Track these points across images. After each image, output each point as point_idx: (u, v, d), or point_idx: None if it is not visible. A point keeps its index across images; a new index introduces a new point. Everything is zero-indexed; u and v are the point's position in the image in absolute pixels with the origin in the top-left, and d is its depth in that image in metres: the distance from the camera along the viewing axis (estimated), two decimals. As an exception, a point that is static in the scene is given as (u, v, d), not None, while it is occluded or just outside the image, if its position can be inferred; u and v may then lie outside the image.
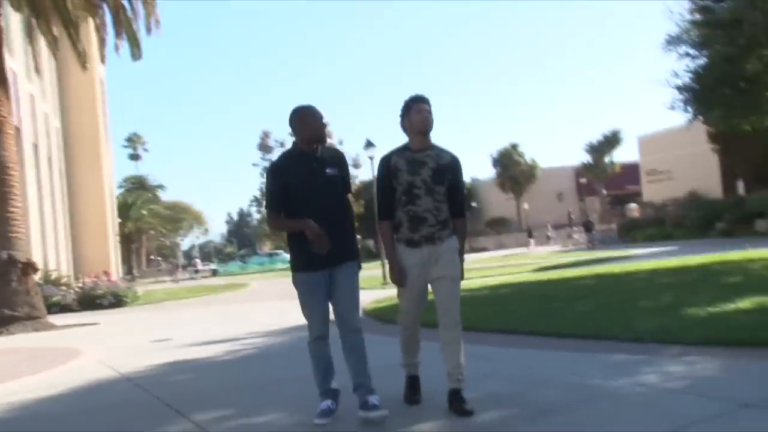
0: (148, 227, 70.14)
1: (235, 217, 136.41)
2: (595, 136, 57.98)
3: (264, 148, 63.86)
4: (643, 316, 7.25)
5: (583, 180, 58.63)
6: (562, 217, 56.62)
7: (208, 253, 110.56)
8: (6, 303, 12.98)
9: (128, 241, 60.97)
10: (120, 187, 63.55)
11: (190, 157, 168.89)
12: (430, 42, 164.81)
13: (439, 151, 4.30)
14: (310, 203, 4.11)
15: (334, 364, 4.30)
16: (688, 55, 18.12)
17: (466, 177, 68.80)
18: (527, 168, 61.27)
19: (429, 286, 4.28)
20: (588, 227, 36.00)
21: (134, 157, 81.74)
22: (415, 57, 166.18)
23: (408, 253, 4.19)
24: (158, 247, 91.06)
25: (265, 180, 4.36)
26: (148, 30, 15.51)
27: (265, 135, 64.04)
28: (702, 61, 17.80)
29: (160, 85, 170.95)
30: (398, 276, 4.20)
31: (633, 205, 47.30)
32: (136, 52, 15.84)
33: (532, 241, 42.93)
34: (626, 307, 8.11)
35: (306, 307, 4.25)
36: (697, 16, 17.63)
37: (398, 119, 4.32)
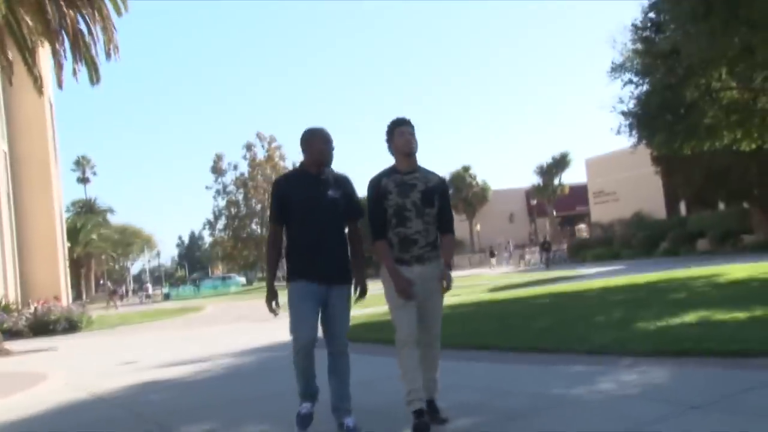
0: (98, 251, 68.67)
1: (186, 240, 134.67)
2: (545, 159, 59.33)
3: (217, 170, 63.80)
4: (598, 330, 7.69)
5: (533, 201, 59.90)
6: (515, 239, 57.60)
7: (158, 277, 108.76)
8: (-39, 329, 12.75)
9: (77, 266, 59.59)
10: (67, 211, 62.30)
11: (140, 180, 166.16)
12: (383, 63, 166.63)
13: (427, 173, 4.38)
14: (309, 223, 4.20)
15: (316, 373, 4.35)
16: (631, 82, 18.98)
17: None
18: (479, 190, 62.27)
19: None
20: (546, 248, 36.87)
21: (82, 180, 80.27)
22: (367, 79, 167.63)
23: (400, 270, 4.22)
24: (108, 271, 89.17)
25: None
26: (108, 55, 15.52)
27: (218, 158, 64.06)
28: (645, 88, 18.66)
29: (107, 107, 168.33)
30: (405, 286, 4.13)
31: (582, 226, 48.65)
32: (94, 76, 15.83)
33: (493, 260, 43.51)
34: (581, 322, 8.54)
35: (295, 315, 4.18)
36: (639, 46, 18.51)
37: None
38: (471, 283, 25.29)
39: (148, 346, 13.01)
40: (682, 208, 40.18)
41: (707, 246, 31.56)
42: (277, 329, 13.01)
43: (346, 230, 4.46)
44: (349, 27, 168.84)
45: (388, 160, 4.43)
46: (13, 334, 18.34)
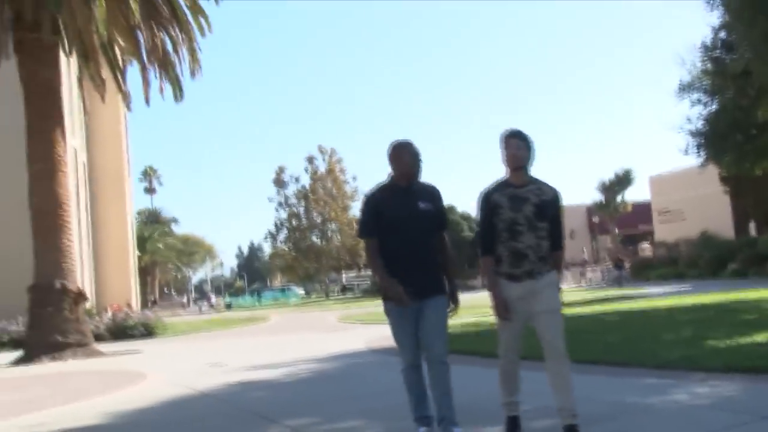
0: (164, 260, 71.08)
1: (246, 251, 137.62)
2: (608, 176, 58.62)
3: (279, 183, 65.28)
4: (667, 346, 7.94)
5: (595, 218, 59.25)
6: (576, 254, 57.05)
7: (218, 287, 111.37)
8: (59, 330, 13.79)
9: (143, 274, 61.80)
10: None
11: (201, 191, 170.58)
12: (446, 74, 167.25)
13: (541, 185, 4.27)
14: (402, 236, 4.25)
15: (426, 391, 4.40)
16: (700, 101, 18.99)
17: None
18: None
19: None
20: (619, 266, 36.52)
21: (149, 190, 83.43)
22: (429, 92, 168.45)
23: (509, 287, 4.19)
24: (171, 280, 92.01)
25: (360, 209, 4.47)
26: (192, 74, 16.53)
27: (280, 170, 65.53)
28: (714, 107, 18.64)
29: (172, 117, 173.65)
30: (502, 309, 4.17)
31: (646, 245, 47.87)
32: (178, 94, 16.84)
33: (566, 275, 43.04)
34: (651, 339, 8.79)
35: (397, 335, 4.41)
36: (709, 66, 18.52)
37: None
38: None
39: (228, 351, 13.71)
40: (752, 228, 39.21)
41: (778, 268, 30.73)
42: (346, 339, 13.66)
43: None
44: (408, 42, 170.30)
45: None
46: (95, 337, 19.42)
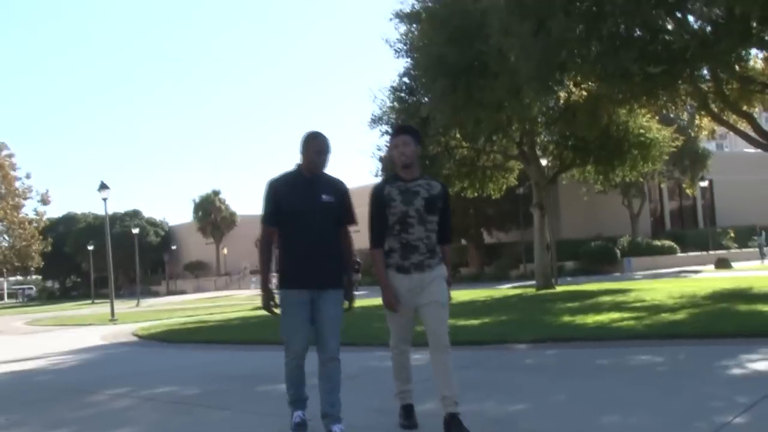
0: None
1: None
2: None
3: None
4: (383, 331, 10.23)
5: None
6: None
7: None
8: None
9: None
10: None
11: None
12: (146, 75, 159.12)
13: (429, 181, 4.37)
14: (302, 227, 4.22)
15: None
16: (388, 133, 22.47)
17: (167, 219, 68.84)
18: (228, 214, 63.94)
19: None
20: (356, 269, 39.13)
21: None
22: (123, 93, 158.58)
23: (398, 279, 4.26)
24: None
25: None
26: None
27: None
28: (399, 140, 22.27)
29: None
30: (390, 300, 4.23)
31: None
32: None
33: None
34: (367, 326, 11.05)
35: (288, 325, 4.24)
36: (396, 104, 22.12)
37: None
38: (224, 303, 27.01)
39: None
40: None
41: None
42: (67, 338, 13.65)
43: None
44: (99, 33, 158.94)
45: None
46: None
